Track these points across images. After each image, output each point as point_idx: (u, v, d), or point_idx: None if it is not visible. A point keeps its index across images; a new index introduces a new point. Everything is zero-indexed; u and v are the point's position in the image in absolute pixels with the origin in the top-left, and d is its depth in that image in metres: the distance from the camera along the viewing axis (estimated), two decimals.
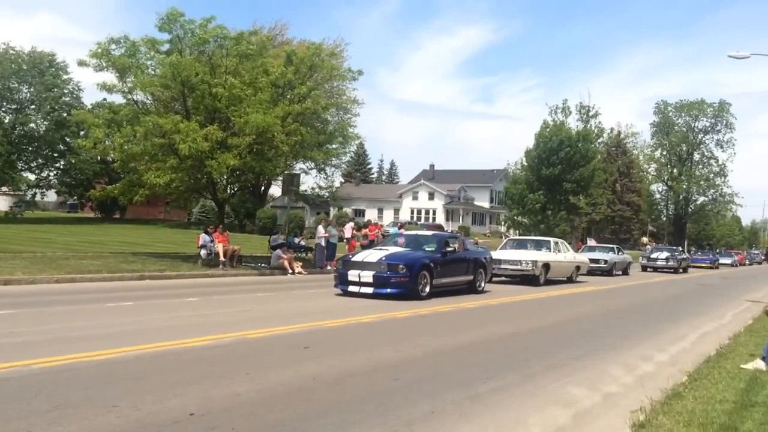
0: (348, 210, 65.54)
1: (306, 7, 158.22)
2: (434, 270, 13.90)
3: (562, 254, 21.72)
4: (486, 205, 78.20)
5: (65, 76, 49.10)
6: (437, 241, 15.21)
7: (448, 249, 14.84)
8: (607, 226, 79.43)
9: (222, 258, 19.31)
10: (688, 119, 76.51)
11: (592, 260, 26.73)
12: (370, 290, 13.27)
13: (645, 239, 54.01)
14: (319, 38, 52.28)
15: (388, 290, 13.09)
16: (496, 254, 20.64)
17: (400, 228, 32.56)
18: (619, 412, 5.37)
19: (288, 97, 27.17)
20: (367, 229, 26.98)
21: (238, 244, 21.74)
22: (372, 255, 14.09)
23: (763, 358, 7.09)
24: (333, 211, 62.84)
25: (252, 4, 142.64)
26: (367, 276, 13.35)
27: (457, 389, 5.92)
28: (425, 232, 19.71)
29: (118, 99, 23.09)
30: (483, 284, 16.21)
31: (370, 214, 68.39)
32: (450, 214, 72.10)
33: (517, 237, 30.03)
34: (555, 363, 7.47)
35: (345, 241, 26.04)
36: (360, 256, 14.40)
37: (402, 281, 13.19)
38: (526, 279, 19.42)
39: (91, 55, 21.24)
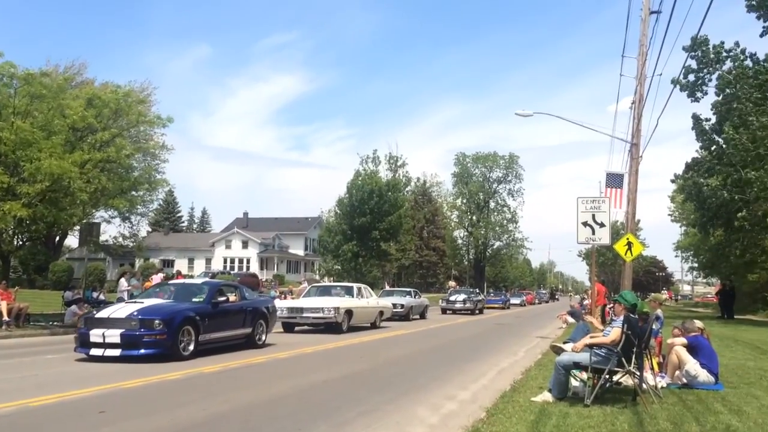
0: (156, 261, 62.15)
1: (110, 48, 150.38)
2: (201, 324, 12.16)
3: (365, 299, 21.66)
4: (301, 252, 78.42)
5: None
6: (207, 291, 13.42)
7: (220, 299, 13.18)
8: (415, 270, 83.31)
9: (6, 317, 17.27)
10: (484, 170, 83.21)
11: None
12: (117, 352, 11.14)
13: (451, 282, 57.24)
14: (124, 80, 49.82)
15: (141, 351, 11.10)
16: (299, 302, 20.54)
17: (212, 278, 31.51)
18: None
19: (88, 141, 25.49)
20: (176, 280, 25.76)
21: (27, 301, 19.58)
22: (122, 309, 12.04)
23: (550, 390, 7.78)
24: (138, 262, 59.18)
25: (52, 41, 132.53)
26: (114, 336, 11.22)
27: None
28: (195, 280, 17.95)
29: None
30: (264, 337, 14.72)
31: (180, 265, 65.35)
32: (264, 263, 71.23)
33: (320, 284, 29.67)
34: (367, 409, 7.58)
35: None
36: (107, 312, 12.14)
37: (159, 339, 11.23)
38: (330, 327, 19.04)
39: None
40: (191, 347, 11.87)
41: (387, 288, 40.07)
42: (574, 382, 7.97)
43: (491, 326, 25.67)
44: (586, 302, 29.23)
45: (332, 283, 28.82)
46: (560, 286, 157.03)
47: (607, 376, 7.66)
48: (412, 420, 7.04)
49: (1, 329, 16.84)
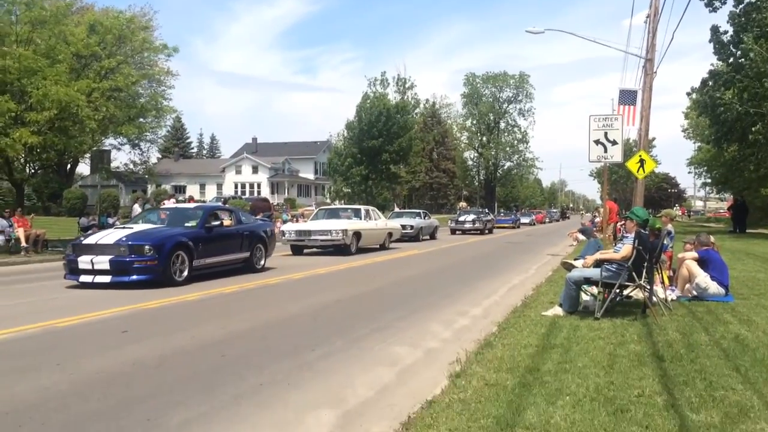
0: (167, 187, 62.56)
1: None
2: (194, 249, 11.86)
3: (373, 221, 21.76)
4: (311, 176, 78.51)
5: None
6: (201, 215, 13.09)
7: (214, 223, 12.90)
8: (426, 192, 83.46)
9: (24, 243, 17.61)
10: (494, 90, 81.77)
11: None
12: (107, 279, 10.95)
13: (462, 203, 57.26)
14: (123, 5, 48.49)
15: (133, 277, 10.88)
16: (307, 225, 20.65)
17: (224, 203, 31.71)
18: (438, 366, 5.72)
19: (94, 68, 25.17)
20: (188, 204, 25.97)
21: (43, 228, 19.91)
22: (110, 235, 11.70)
23: (560, 305, 7.90)
24: (151, 188, 59.60)
25: None
26: (102, 262, 10.98)
27: (285, 360, 5.96)
28: (188, 205, 16.92)
29: None
30: (263, 261, 14.43)
31: (192, 190, 65.85)
32: (275, 187, 71.50)
33: (328, 206, 29.62)
34: (380, 326, 7.76)
35: None
36: (94, 238, 11.89)
37: (149, 265, 10.96)
38: (338, 249, 19.12)
39: None
40: (185, 273, 11.59)
41: (396, 210, 40.10)
42: (584, 297, 8.09)
43: (502, 245, 25.89)
44: (597, 220, 29.30)
45: (340, 206, 28.91)
46: (571, 205, 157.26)
47: (618, 290, 7.75)
48: (426, 335, 7.21)
49: (19, 255, 17.18)
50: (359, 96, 51.83)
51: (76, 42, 22.03)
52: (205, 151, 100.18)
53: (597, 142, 16.28)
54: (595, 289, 7.99)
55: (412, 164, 55.34)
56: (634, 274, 7.53)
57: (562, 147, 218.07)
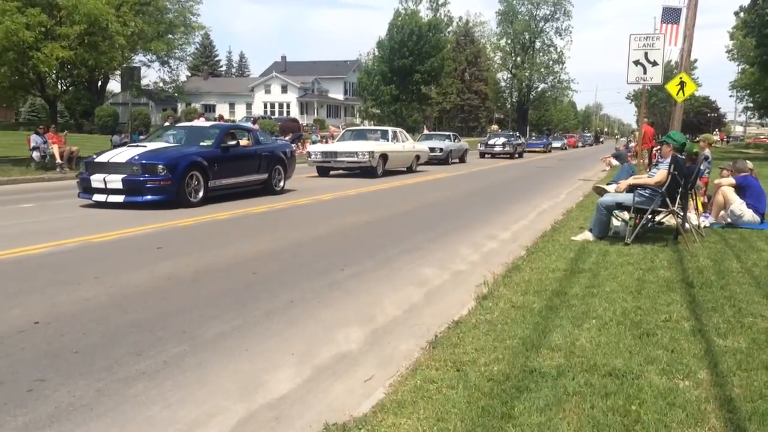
0: (197, 105, 62.57)
1: None
2: (210, 169, 11.51)
3: (400, 144, 21.29)
4: (340, 97, 77.68)
5: None
6: (217, 134, 12.63)
7: (230, 143, 12.39)
8: (457, 114, 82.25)
9: (59, 160, 17.92)
10: (531, 7, 78.94)
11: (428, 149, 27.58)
12: (120, 198, 10.73)
13: (494, 126, 56.30)
14: None
15: (148, 197, 10.65)
16: (333, 146, 20.38)
17: (253, 122, 31.68)
18: (466, 288, 5.78)
19: None
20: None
21: (77, 145, 20.18)
22: (123, 154, 11.32)
23: (590, 230, 7.85)
24: (180, 107, 59.68)
25: None
26: (115, 181, 10.74)
27: (315, 278, 6.08)
28: (203, 123, 15.81)
29: None
30: (282, 183, 14.07)
31: (222, 109, 65.65)
32: (304, 107, 71.04)
33: (355, 127, 28.89)
34: (410, 247, 7.83)
35: None
36: (107, 156, 11.45)
37: (163, 185, 10.69)
38: (365, 171, 18.84)
39: None
40: (200, 194, 11.32)
41: (426, 132, 39.61)
42: (615, 222, 8.01)
43: (533, 169, 25.63)
44: (632, 145, 28.70)
45: (367, 127, 28.57)
46: (606, 129, 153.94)
47: (650, 216, 7.65)
48: (455, 258, 7.26)
49: (55, 171, 17.52)
50: (391, 13, 50.44)
51: None
52: (234, 70, 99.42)
53: (636, 62, 15.78)
54: (626, 215, 7.90)
55: (444, 85, 54.43)
56: (667, 199, 7.41)
57: (599, 68, 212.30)
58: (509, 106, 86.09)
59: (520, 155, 36.57)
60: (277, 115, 66.69)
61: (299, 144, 27.83)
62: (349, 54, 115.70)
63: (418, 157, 22.43)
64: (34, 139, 18.33)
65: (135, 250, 7.38)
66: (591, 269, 6.06)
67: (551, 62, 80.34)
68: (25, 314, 4.71)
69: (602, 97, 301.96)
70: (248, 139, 13.56)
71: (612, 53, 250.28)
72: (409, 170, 21.54)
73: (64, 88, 27.07)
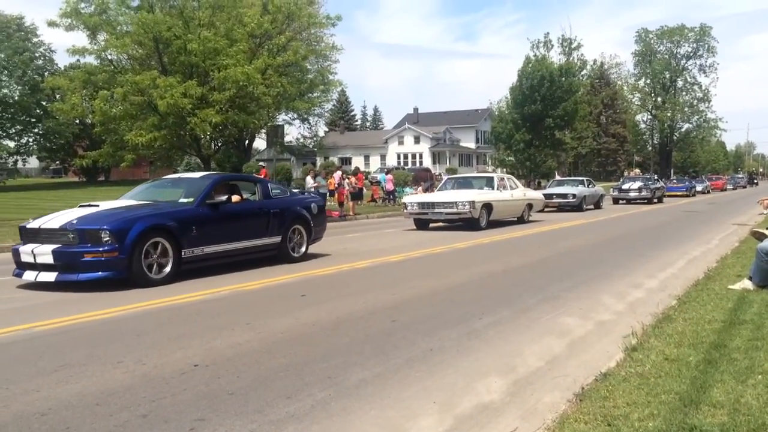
0: (334, 159, 65.33)
1: None
2: (184, 234, 8.92)
3: (508, 191, 19.12)
4: (472, 145, 78.06)
5: (35, 39, 47.97)
6: (203, 188, 9.90)
7: (220, 198, 9.80)
8: (593, 159, 79.77)
9: None
10: (670, 46, 75.93)
11: (559, 195, 26.28)
12: (51, 277, 8.24)
13: (636, 170, 53.51)
14: None
15: (87, 275, 8.11)
16: (431, 196, 18.96)
17: (387, 173, 32.53)
18: (612, 339, 5.52)
19: (266, 47, 26.76)
20: (355, 177, 26.94)
21: None
22: (61, 216, 8.85)
23: (750, 278, 7.25)
24: (319, 161, 62.56)
25: None
26: (45, 254, 8.25)
27: (453, 327, 6.07)
28: (192, 174, 11.95)
29: (92, 60, 22.68)
30: (305, 247, 11.32)
31: (357, 162, 68.23)
32: (436, 157, 72.04)
33: (458, 175, 27.09)
34: (547, 296, 7.62)
35: (335, 189, 25.95)
36: (40, 220, 8.92)
37: (107, 259, 8.12)
38: (468, 223, 17.16)
39: (61, 15, 20.81)
40: (167, 268, 8.70)
41: (558, 178, 38.28)
42: None
43: (678, 214, 24.15)
44: None
45: (472, 174, 27.81)
46: (761, 170, 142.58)
47: None
48: (597, 307, 6.97)
49: None
50: (522, 60, 50.36)
51: (250, 22, 23.49)
52: (368, 123, 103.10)
53: None
54: None
55: (578, 129, 53.02)
56: None
57: (750, 105, 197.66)
58: (650, 148, 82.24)
59: (660, 200, 34.41)
60: (410, 165, 68.08)
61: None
62: (480, 103, 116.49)
63: (531, 206, 20.47)
64: None
65: (281, 298, 7.76)
66: (753, 320, 5.58)
67: (695, 101, 76.34)
68: (185, 357, 5.08)
69: (755, 136, 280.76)
70: (255, 192, 11.14)
71: (764, 88, 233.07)
72: (520, 220, 19.70)
73: (217, 147, 29.38)
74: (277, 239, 10.74)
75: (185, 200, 9.79)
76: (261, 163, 29.41)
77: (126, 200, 10.13)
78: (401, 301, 7.39)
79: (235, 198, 10.35)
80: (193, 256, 9.14)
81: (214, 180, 10.35)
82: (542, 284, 8.49)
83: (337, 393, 4.25)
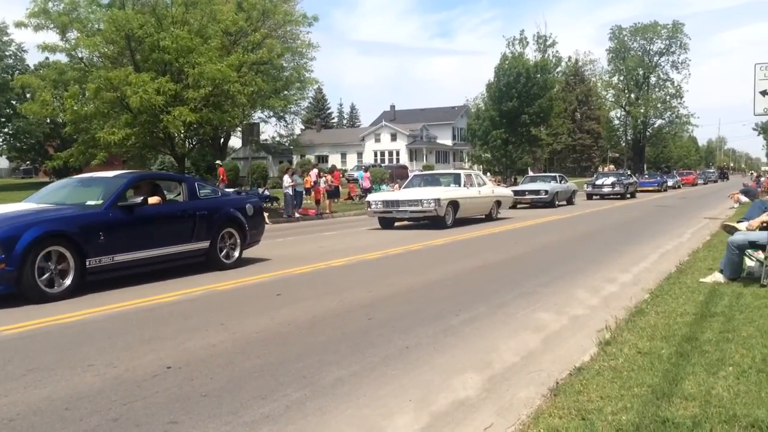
0: (311, 157, 65.05)
1: None
2: (89, 242, 7.82)
3: (475, 188, 18.45)
4: (449, 142, 78.21)
5: (5, 38, 47.10)
6: (116, 188, 8.79)
7: (134, 201, 8.75)
8: (568, 155, 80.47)
9: None
10: (643, 43, 76.53)
11: (531, 191, 26.33)
12: None
13: (611, 166, 54.02)
14: None
15: None
16: (395, 194, 18.29)
17: (365, 171, 32.49)
18: (586, 333, 5.56)
19: (241, 44, 26.52)
20: (332, 175, 26.87)
21: None
22: None
23: (721, 271, 7.36)
24: (295, 159, 62.25)
25: None
26: None
27: (430, 324, 6.07)
28: (103, 174, 10.15)
29: (63, 58, 22.32)
30: (237, 253, 10.24)
31: (334, 160, 68.06)
32: (413, 154, 72.06)
33: (425, 172, 26.71)
34: (524, 291, 7.66)
35: (312, 188, 25.88)
36: None
37: None
38: (433, 221, 16.61)
39: (29, 15, 20.41)
40: (67, 281, 7.63)
41: (531, 174, 38.32)
42: (749, 262, 7.46)
43: (650, 209, 24.45)
44: (763, 179, 26.92)
45: (438, 171, 27.55)
46: (731, 164, 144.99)
47: None
48: (572, 302, 7.02)
49: None
50: (498, 57, 50.58)
51: (225, 19, 23.25)
52: (345, 121, 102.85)
53: (764, 93, 14.78)
54: (761, 254, 7.35)
55: (554, 126, 53.45)
56: None
57: (721, 101, 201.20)
58: (624, 144, 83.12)
59: (633, 195, 34.72)
60: (387, 162, 68.03)
61: None
62: (457, 100, 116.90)
63: (499, 203, 19.88)
64: None
65: (256, 298, 7.70)
66: (724, 313, 5.67)
67: (668, 97, 77.05)
68: (158, 359, 5.01)
69: (726, 131, 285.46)
70: (177, 192, 10.19)
71: (735, 84, 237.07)
72: (488, 218, 19.18)
73: (191, 146, 29.03)
74: (204, 244, 9.66)
75: (93, 203, 8.60)
76: (217, 162, 28.99)
77: (26, 203, 9.00)
78: (378, 299, 7.37)
79: (153, 199, 9.26)
80: (101, 266, 8.01)
81: (129, 179, 9.23)
82: (518, 280, 8.53)
83: (312, 393, 4.22)
